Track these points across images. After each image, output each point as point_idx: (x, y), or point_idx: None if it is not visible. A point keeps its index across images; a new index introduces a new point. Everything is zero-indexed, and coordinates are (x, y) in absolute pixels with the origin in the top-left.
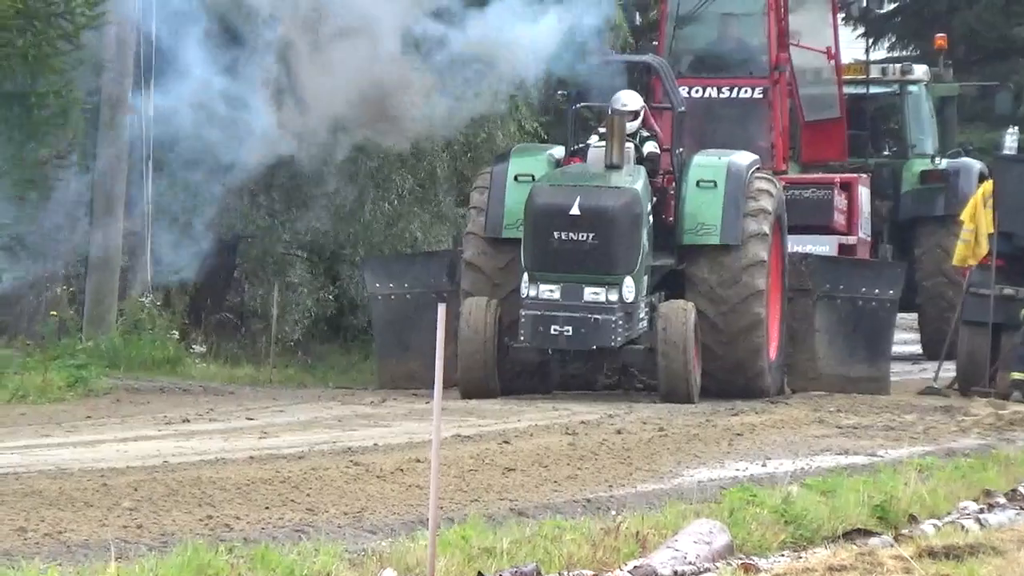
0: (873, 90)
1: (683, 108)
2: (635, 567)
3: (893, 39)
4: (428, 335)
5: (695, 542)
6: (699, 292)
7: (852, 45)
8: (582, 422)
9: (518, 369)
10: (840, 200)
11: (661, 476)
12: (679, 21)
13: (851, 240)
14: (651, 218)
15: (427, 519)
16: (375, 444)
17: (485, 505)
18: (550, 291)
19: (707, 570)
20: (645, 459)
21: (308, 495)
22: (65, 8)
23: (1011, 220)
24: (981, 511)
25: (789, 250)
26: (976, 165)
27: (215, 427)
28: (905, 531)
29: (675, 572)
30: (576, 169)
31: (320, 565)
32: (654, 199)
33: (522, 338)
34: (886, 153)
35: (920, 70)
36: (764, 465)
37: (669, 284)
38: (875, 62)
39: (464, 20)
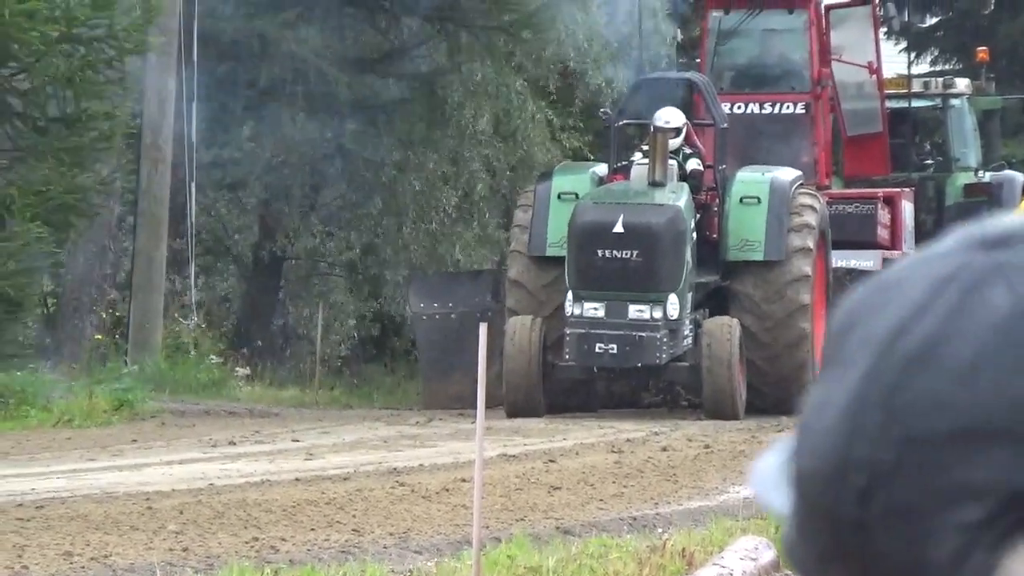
0: (915, 104)
1: (725, 124)
2: None
3: (935, 53)
4: (473, 355)
5: (741, 559)
6: (744, 308)
7: (894, 59)
8: (627, 440)
9: (563, 387)
10: (884, 215)
11: (707, 493)
12: (721, 37)
13: (895, 255)
14: (695, 235)
15: (472, 539)
16: (421, 464)
17: (530, 524)
18: (594, 309)
19: None
20: (691, 476)
21: (354, 516)
22: (109, 33)
23: None
24: None
25: (833, 265)
26: (1020, 177)
27: (261, 449)
28: None
29: None
30: (619, 187)
31: None
32: (697, 216)
33: (567, 356)
34: (929, 167)
35: (962, 83)
36: None
37: (713, 300)
38: (917, 76)
39: None
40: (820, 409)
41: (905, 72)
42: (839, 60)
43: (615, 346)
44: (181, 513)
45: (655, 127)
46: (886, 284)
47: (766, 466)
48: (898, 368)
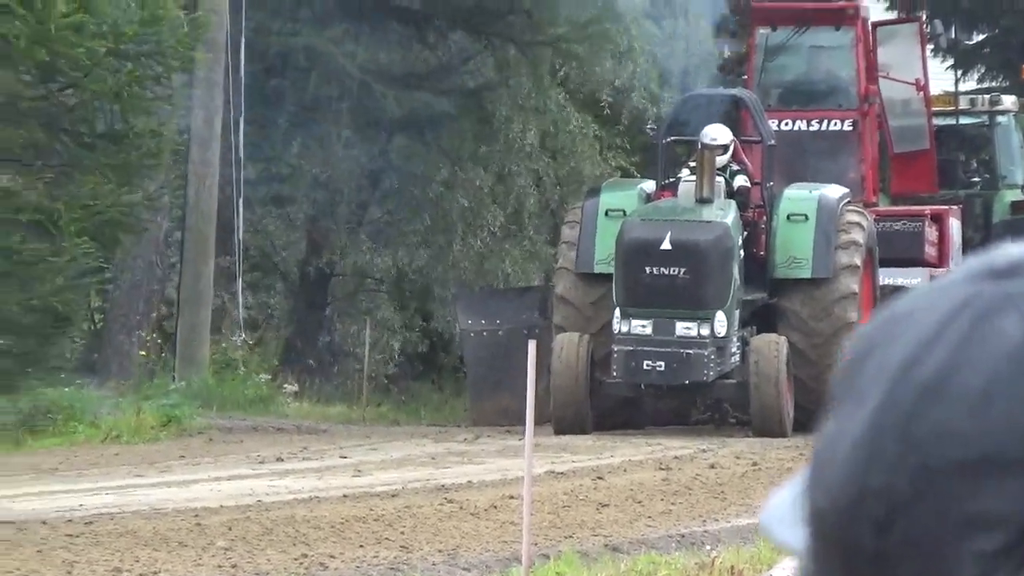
0: (962, 121)
1: (773, 141)
2: None
3: (982, 70)
4: (520, 371)
5: None
6: (791, 325)
7: (941, 76)
8: (675, 457)
9: (611, 404)
10: (931, 232)
11: (755, 510)
12: (768, 54)
13: (942, 272)
14: (742, 252)
15: (521, 556)
16: (469, 481)
17: (579, 541)
18: (642, 326)
19: None
20: (739, 493)
21: (402, 533)
22: (156, 49)
23: None
24: None
25: (880, 283)
26: None
27: (309, 466)
28: None
29: None
30: (667, 204)
31: None
32: (745, 233)
33: (614, 373)
34: (976, 184)
35: (1009, 100)
36: None
37: (761, 318)
38: (964, 93)
39: None
40: (834, 441)
41: (952, 89)
42: (886, 77)
43: (662, 363)
44: (230, 529)
45: (702, 144)
46: (897, 316)
47: (778, 503)
48: (912, 398)
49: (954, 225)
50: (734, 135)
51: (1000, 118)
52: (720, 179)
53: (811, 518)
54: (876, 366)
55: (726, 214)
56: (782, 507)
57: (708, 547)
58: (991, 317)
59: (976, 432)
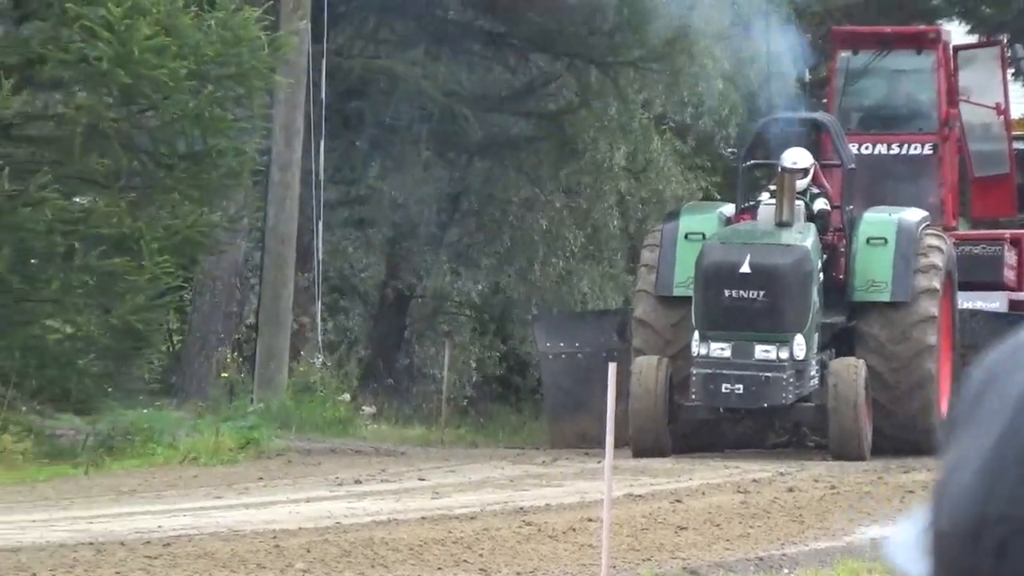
0: None
1: (853, 165)
2: None
3: None
4: (599, 394)
5: None
6: (870, 348)
7: (1022, 100)
8: (753, 480)
9: (689, 427)
10: (1010, 256)
11: (833, 534)
12: (849, 78)
13: (1021, 296)
14: (821, 275)
15: None
16: (547, 504)
17: (657, 564)
18: (721, 349)
19: None
20: (817, 517)
21: (480, 555)
22: (237, 70)
23: None
24: None
25: (959, 307)
26: None
27: (387, 488)
28: None
29: None
30: (746, 227)
31: None
32: (824, 256)
33: (693, 396)
34: None
35: None
36: None
37: (839, 341)
38: None
39: None
40: (957, 469)
41: None
42: (967, 101)
43: (741, 386)
44: (308, 551)
45: (782, 167)
46: (1019, 346)
47: (901, 537)
48: None
49: None
50: (814, 158)
51: None
52: (800, 202)
53: (933, 543)
54: (998, 396)
55: (805, 237)
56: (906, 537)
57: (786, 570)
58: None
59: None
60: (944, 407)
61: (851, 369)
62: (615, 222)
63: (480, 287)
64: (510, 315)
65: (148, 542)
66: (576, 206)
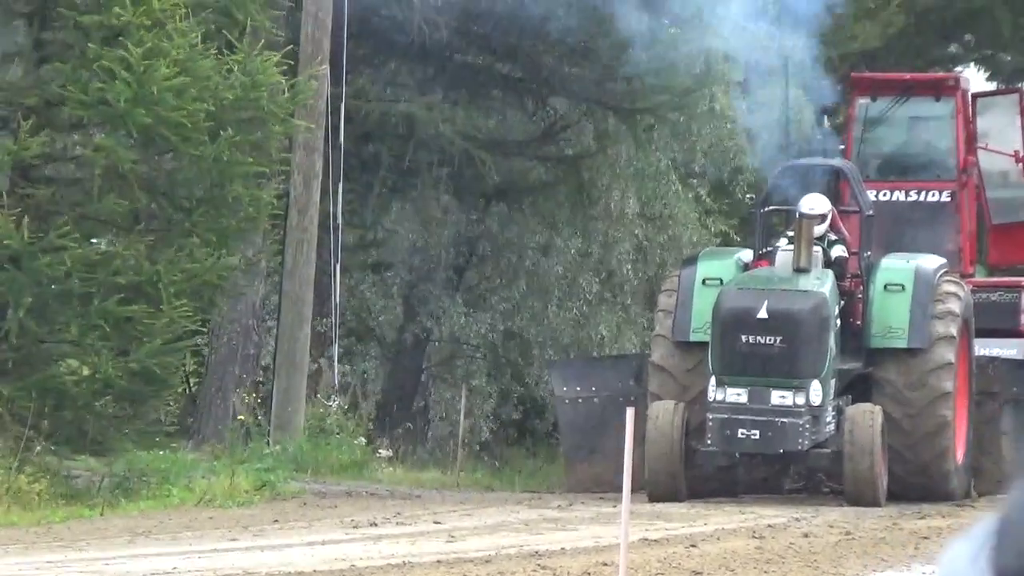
0: None
1: (871, 211)
2: None
3: None
4: (615, 438)
5: None
6: (886, 394)
7: None
8: (769, 525)
9: (705, 472)
10: None
11: None
12: (867, 124)
13: None
14: (838, 321)
15: None
16: (562, 548)
17: None
18: (737, 394)
19: None
20: (832, 563)
21: None
22: (256, 114)
23: None
24: None
25: (976, 353)
26: None
27: (402, 531)
28: None
29: None
30: (764, 273)
31: None
32: (842, 303)
33: (709, 441)
34: None
35: None
36: None
37: (856, 387)
38: None
39: None
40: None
41: None
42: (985, 148)
43: (757, 432)
44: None
45: (800, 213)
46: None
47: (956, 555)
48: None
49: None
50: (832, 205)
51: None
52: (818, 249)
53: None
54: None
55: (823, 283)
56: (961, 560)
57: None
58: None
59: None
60: (960, 454)
61: (867, 415)
62: (630, 267)
63: (496, 331)
64: (526, 359)
65: None
66: (592, 251)
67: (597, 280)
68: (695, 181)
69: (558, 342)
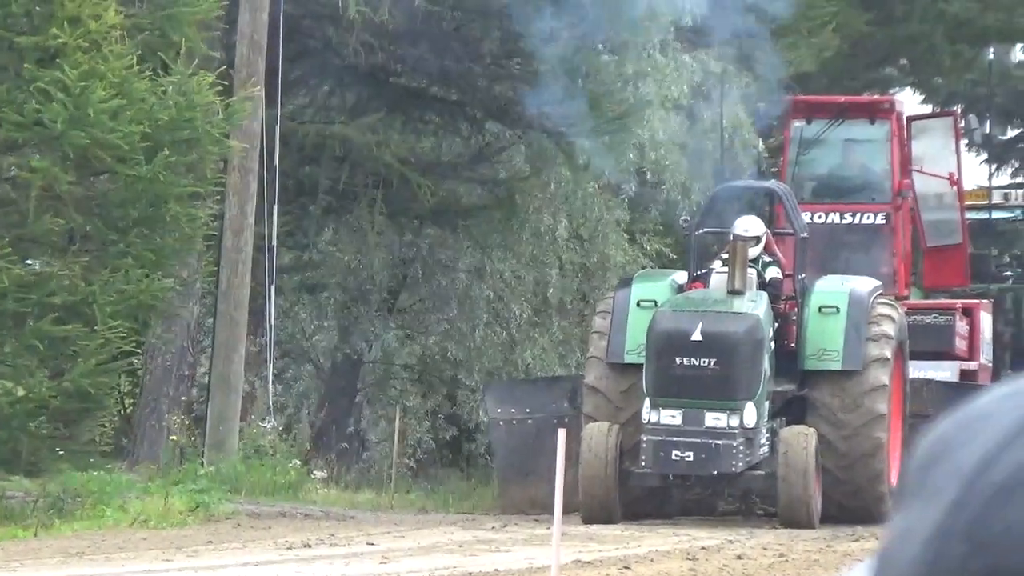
0: (995, 215)
1: (805, 234)
2: None
3: (1016, 164)
4: (550, 460)
5: None
6: (821, 416)
7: (975, 171)
8: (703, 547)
9: (639, 494)
10: (962, 326)
11: None
12: (802, 147)
13: (973, 366)
14: (773, 344)
15: None
16: (496, 569)
17: None
18: (672, 416)
19: None
20: None
21: None
22: (192, 135)
23: None
24: None
25: (911, 376)
26: None
27: (336, 552)
28: None
29: None
30: (698, 295)
31: None
32: (776, 325)
33: (643, 463)
34: (1008, 278)
35: None
36: None
37: (791, 409)
38: (998, 188)
39: None
40: (903, 538)
41: (985, 184)
42: (920, 171)
43: (691, 454)
44: None
45: (735, 235)
46: (972, 417)
47: None
48: (984, 499)
49: (985, 319)
50: (767, 227)
51: None
52: (752, 271)
53: None
54: (949, 466)
55: (757, 306)
56: None
57: None
58: None
59: None
60: (894, 476)
61: (801, 437)
62: (560, 290)
63: (430, 353)
64: (459, 381)
65: None
66: (523, 274)
67: (527, 305)
68: (625, 202)
69: (487, 364)
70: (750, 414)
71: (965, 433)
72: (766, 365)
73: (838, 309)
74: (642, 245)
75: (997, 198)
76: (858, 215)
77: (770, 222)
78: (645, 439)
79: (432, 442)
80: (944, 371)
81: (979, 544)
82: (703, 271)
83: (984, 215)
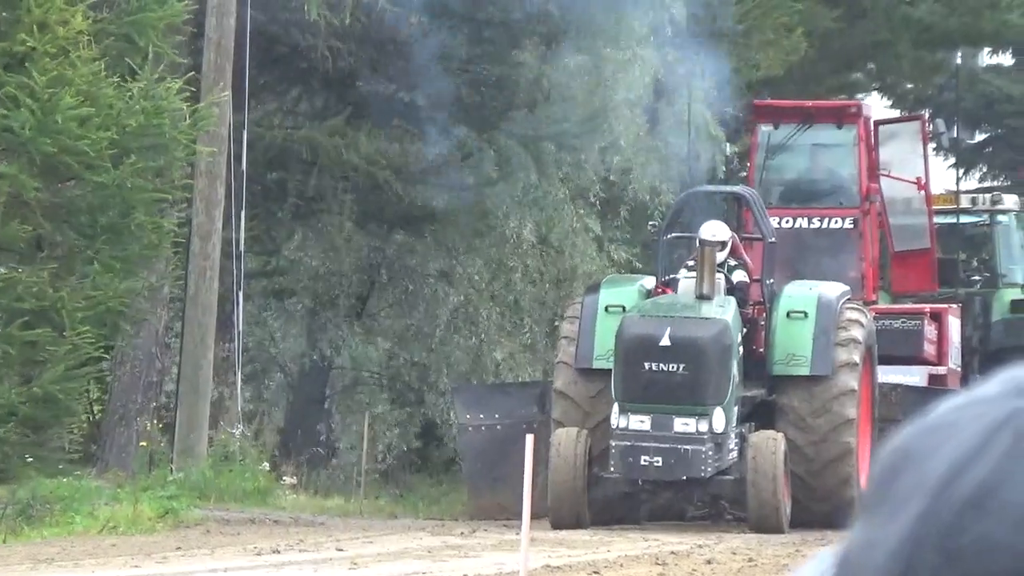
0: (963, 220)
1: (773, 239)
2: None
3: (984, 169)
4: (518, 465)
5: None
6: (789, 421)
7: (943, 175)
8: (672, 552)
9: (608, 499)
10: (930, 330)
11: None
12: (770, 152)
13: (941, 370)
14: (741, 348)
15: None
16: (465, 575)
17: None
18: (640, 421)
19: None
20: None
21: None
22: (159, 141)
23: None
24: None
25: (879, 380)
26: None
27: (305, 558)
28: None
29: None
30: (666, 300)
31: None
32: (744, 329)
33: (612, 468)
34: (976, 282)
35: (1010, 200)
36: None
37: (759, 414)
38: (965, 192)
39: None
40: (866, 549)
41: (953, 188)
42: (888, 176)
43: (660, 459)
44: None
45: (701, 240)
46: (936, 426)
47: None
48: (954, 511)
49: (953, 324)
50: (735, 232)
51: (1001, 217)
52: (719, 275)
53: None
54: (914, 478)
55: (725, 311)
56: None
57: None
58: None
59: (1020, 546)
60: (863, 480)
61: (770, 442)
62: (527, 296)
63: (397, 358)
64: (427, 387)
65: None
66: (491, 279)
67: (496, 309)
68: (596, 207)
69: (455, 369)
70: (719, 419)
71: (929, 443)
72: (735, 370)
73: (806, 314)
74: (609, 254)
75: (965, 202)
76: (826, 220)
77: (738, 227)
78: (614, 444)
79: (402, 447)
80: (913, 376)
81: (951, 555)
82: (671, 276)
83: (952, 219)
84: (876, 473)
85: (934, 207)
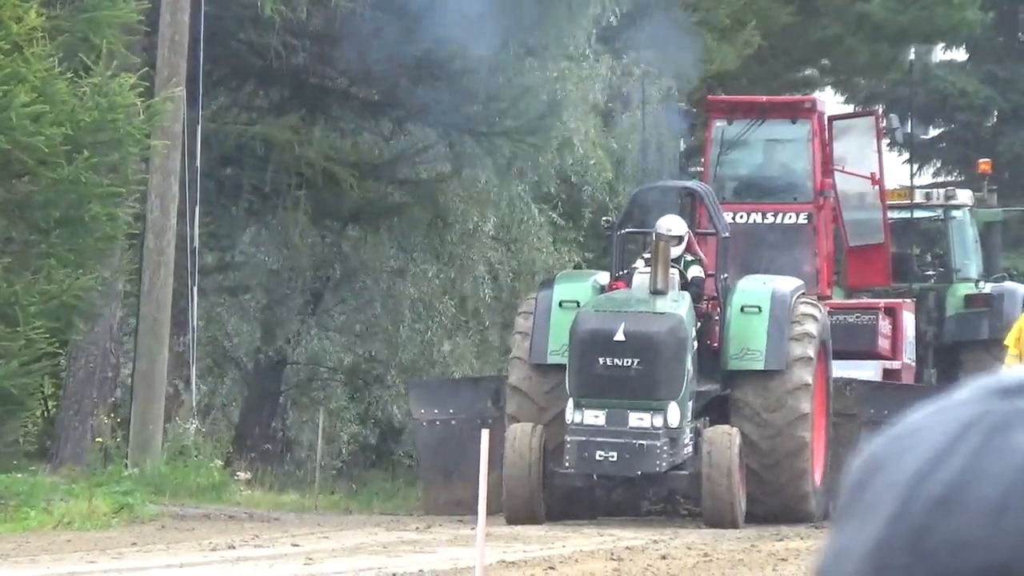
0: (917, 215)
1: (727, 234)
2: None
3: (938, 164)
4: (473, 460)
5: None
6: (744, 416)
7: (897, 170)
8: (627, 547)
9: (563, 494)
10: (884, 325)
11: None
12: (724, 147)
13: (896, 365)
14: (696, 343)
15: None
16: (420, 570)
17: None
18: (595, 416)
19: None
20: None
21: None
22: (113, 136)
23: None
24: None
25: (834, 375)
26: (1020, 289)
27: (261, 553)
28: None
29: None
30: (621, 295)
31: None
32: (699, 324)
33: (567, 464)
34: (931, 277)
35: (964, 195)
36: None
37: (714, 409)
38: (919, 187)
39: None
40: (841, 555)
41: (907, 183)
42: (842, 171)
43: (615, 454)
44: None
45: (657, 235)
46: (906, 432)
47: None
48: (924, 511)
49: (908, 318)
50: (689, 227)
51: (955, 212)
52: (675, 270)
53: None
54: (885, 481)
55: (680, 305)
56: None
57: None
58: (1004, 431)
59: (990, 542)
60: (818, 475)
61: (725, 437)
62: (485, 291)
63: (353, 354)
64: (381, 382)
65: None
66: (446, 275)
67: (451, 304)
68: (547, 206)
69: (411, 365)
70: (674, 414)
71: (897, 449)
72: (689, 365)
73: (760, 309)
74: (562, 253)
75: (919, 197)
76: (780, 215)
77: (692, 222)
78: (569, 439)
79: (357, 442)
80: (867, 370)
81: (921, 554)
82: (625, 271)
83: (906, 215)
84: (848, 482)
85: (888, 202)
